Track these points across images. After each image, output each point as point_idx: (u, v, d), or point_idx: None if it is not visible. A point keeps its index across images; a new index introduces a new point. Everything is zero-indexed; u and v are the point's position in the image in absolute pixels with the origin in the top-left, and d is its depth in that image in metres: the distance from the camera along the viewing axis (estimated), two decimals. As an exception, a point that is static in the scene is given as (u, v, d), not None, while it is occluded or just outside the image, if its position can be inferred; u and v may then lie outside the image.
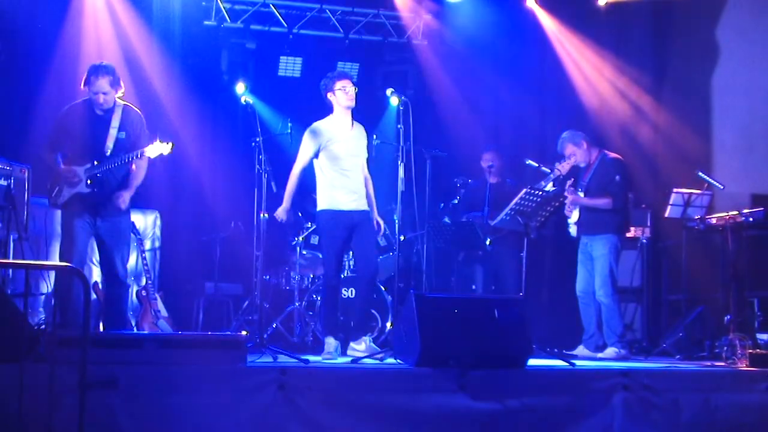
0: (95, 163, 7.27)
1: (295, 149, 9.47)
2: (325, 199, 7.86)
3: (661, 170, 11.15)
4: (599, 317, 9.03)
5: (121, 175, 7.45)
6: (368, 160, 8.09)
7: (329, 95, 7.89)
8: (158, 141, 7.30)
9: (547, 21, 11.68)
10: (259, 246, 7.91)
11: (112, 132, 7.37)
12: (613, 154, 9.25)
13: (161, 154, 7.34)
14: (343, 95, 7.85)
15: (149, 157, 7.36)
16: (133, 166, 7.48)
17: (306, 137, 7.90)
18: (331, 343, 7.72)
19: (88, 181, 7.28)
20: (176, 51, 11.00)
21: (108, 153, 7.32)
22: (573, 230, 9.20)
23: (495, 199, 9.50)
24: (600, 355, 8.83)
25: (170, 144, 7.32)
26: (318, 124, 7.91)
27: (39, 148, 7.66)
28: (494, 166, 10.02)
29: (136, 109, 7.61)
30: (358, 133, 8.02)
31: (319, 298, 9.50)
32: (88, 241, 7.39)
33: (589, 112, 11.42)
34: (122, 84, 7.43)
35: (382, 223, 8.19)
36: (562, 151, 9.24)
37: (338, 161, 7.82)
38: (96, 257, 7.80)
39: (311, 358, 7.26)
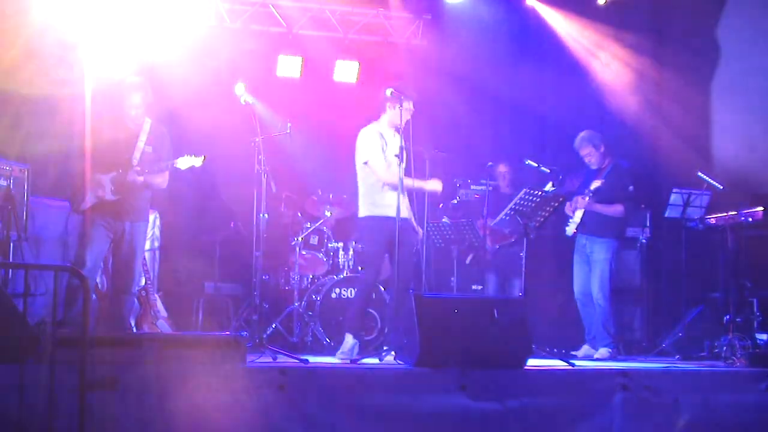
0: (120, 171, 7.41)
1: (295, 149, 9.46)
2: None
3: (660, 170, 11.16)
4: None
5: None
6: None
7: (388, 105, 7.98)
8: (187, 155, 7.61)
9: (551, 15, 11.67)
10: (259, 246, 7.92)
11: (140, 145, 7.68)
12: (626, 162, 9.29)
13: (192, 167, 7.65)
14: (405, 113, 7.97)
15: (179, 168, 7.64)
16: None
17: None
18: (349, 341, 7.75)
19: (113, 188, 7.52)
20: (175, 52, 10.98)
21: (134, 164, 7.58)
22: (570, 229, 9.24)
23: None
24: (596, 355, 8.87)
25: (202, 157, 7.64)
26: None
27: (69, 154, 7.87)
28: (509, 174, 10.09)
29: (162, 127, 7.90)
30: None
31: (318, 299, 9.51)
32: (106, 246, 7.57)
33: (589, 112, 11.43)
34: (152, 98, 7.75)
35: None
36: (578, 150, 9.30)
37: None
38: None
39: (311, 358, 7.26)
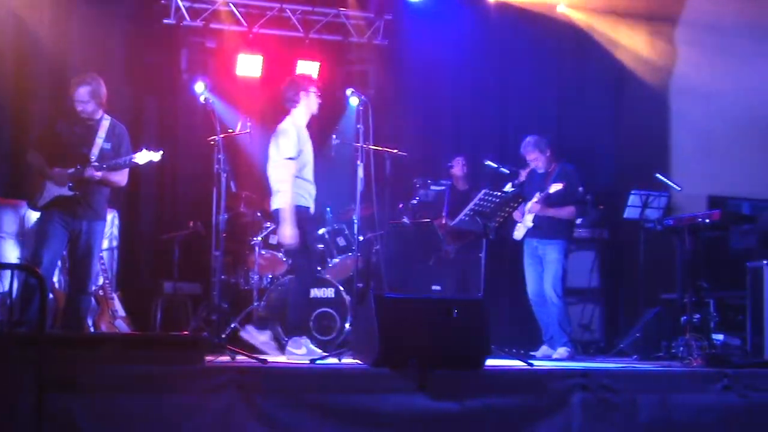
0: (78, 167, 7.33)
1: (254, 148, 9.40)
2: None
3: (619, 172, 11.24)
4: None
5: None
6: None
7: (302, 94, 7.92)
8: (145, 150, 7.56)
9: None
10: (218, 246, 7.88)
11: (98, 141, 7.61)
12: (571, 165, 9.33)
13: (151, 161, 7.59)
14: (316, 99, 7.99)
15: (138, 163, 7.59)
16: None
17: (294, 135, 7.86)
18: (302, 344, 7.76)
19: (71, 185, 7.42)
20: (134, 49, 10.91)
21: (92, 160, 7.50)
22: (519, 233, 9.26)
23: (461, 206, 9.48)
24: (555, 355, 8.92)
25: (160, 152, 7.59)
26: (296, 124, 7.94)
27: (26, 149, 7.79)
28: (466, 169, 10.12)
29: (122, 124, 7.82)
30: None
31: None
32: (63, 244, 7.49)
33: (549, 113, 11.50)
34: (104, 95, 7.62)
35: None
36: (525, 155, 9.31)
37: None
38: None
39: (269, 358, 7.24)
